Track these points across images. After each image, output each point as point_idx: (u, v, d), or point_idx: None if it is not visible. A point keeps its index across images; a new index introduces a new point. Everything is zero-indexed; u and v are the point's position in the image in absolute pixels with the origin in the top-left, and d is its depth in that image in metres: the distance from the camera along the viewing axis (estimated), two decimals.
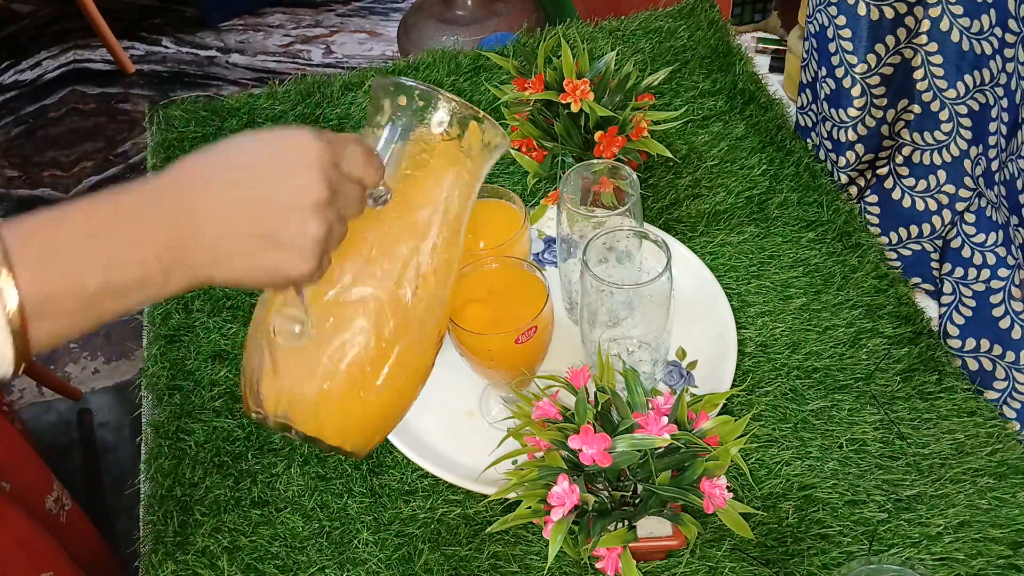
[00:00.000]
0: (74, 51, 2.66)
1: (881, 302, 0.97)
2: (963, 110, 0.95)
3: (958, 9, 0.91)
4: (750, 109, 1.17)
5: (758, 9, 1.32)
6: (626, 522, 0.74)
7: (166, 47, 2.67)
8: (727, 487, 0.72)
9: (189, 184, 0.54)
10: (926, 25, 0.95)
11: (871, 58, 0.97)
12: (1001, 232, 0.91)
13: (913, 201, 1.03)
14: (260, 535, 0.84)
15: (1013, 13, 0.84)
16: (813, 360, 0.93)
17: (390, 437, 0.87)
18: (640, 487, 0.73)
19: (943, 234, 1.00)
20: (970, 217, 0.95)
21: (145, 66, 2.62)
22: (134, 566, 0.85)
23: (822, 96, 1.05)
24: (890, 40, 0.96)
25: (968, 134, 0.95)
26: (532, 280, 0.83)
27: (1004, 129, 0.88)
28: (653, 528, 0.77)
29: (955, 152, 0.97)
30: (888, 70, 0.98)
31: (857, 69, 0.98)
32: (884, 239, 1.05)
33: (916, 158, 1.02)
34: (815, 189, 1.07)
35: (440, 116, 0.63)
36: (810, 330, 0.95)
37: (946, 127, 0.97)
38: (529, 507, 0.74)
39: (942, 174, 1.00)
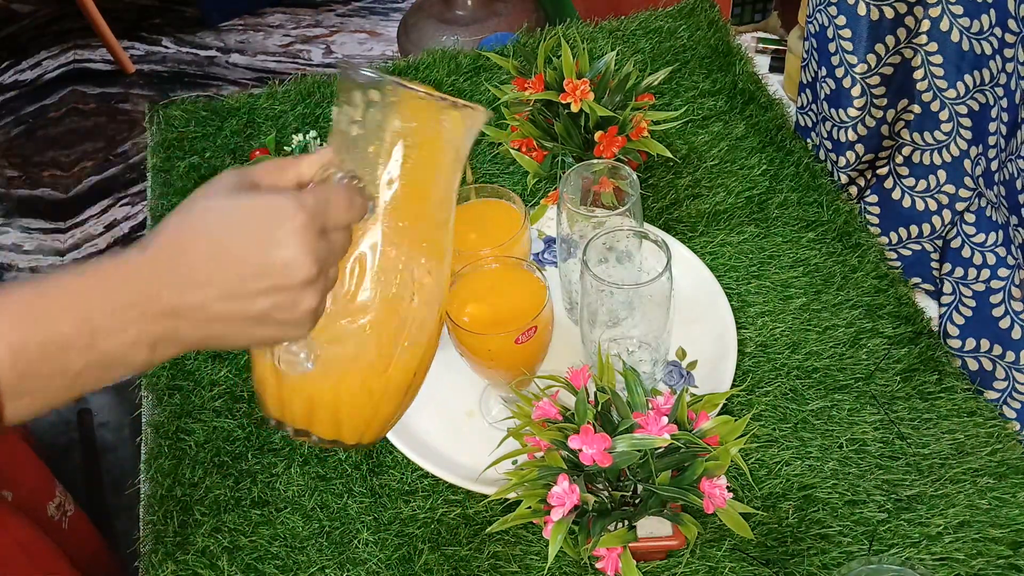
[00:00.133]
0: (74, 51, 2.66)
1: (881, 302, 0.97)
2: (963, 110, 0.95)
3: (958, 9, 0.91)
4: (750, 109, 1.17)
5: (758, 9, 1.32)
6: (626, 522, 0.74)
7: (166, 47, 2.67)
8: (727, 487, 0.72)
9: (172, 271, 0.52)
10: (926, 25, 0.95)
11: (871, 58, 0.97)
12: (1001, 232, 0.91)
13: (913, 201, 1.03)
14: (260, 535, 0.84)
15: (1013, 13, 0.84)
16: (813, 360, 0.93)
17: (390, 437, 0.87)
18: (640, 487, 0.73)
19: (943, 234, 1.00)
20: (970, 217, 0.95)
21: (145, 66, 2.62)
22: (134, 566, 0.85)
23: (822, 96, 1.05)
24: (890, 40, 0.96)
25: (968, 134, 0.95)
26: (532, 280, 0.83)
27: (1004, 129, 0.88)
28: (653, 528, 0.77)
29: (955, 152, 0.97)
30: (888, 70, 0.98)
31: (857, 69, 0.98)
32: (884, 239, 1.05)
33: (916, 158, 1.02)
34: (815, 189, 1.07)
35: (413, 113, 0.60)
36: (810, 330, 0.95)
37: (946, 127, 0.97)
38: (529, 507, 0.74)
39: (942, 174, 1.00)
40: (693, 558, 0.80)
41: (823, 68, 1.03)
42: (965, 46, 0.92)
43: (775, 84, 1.23)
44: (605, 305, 0.82)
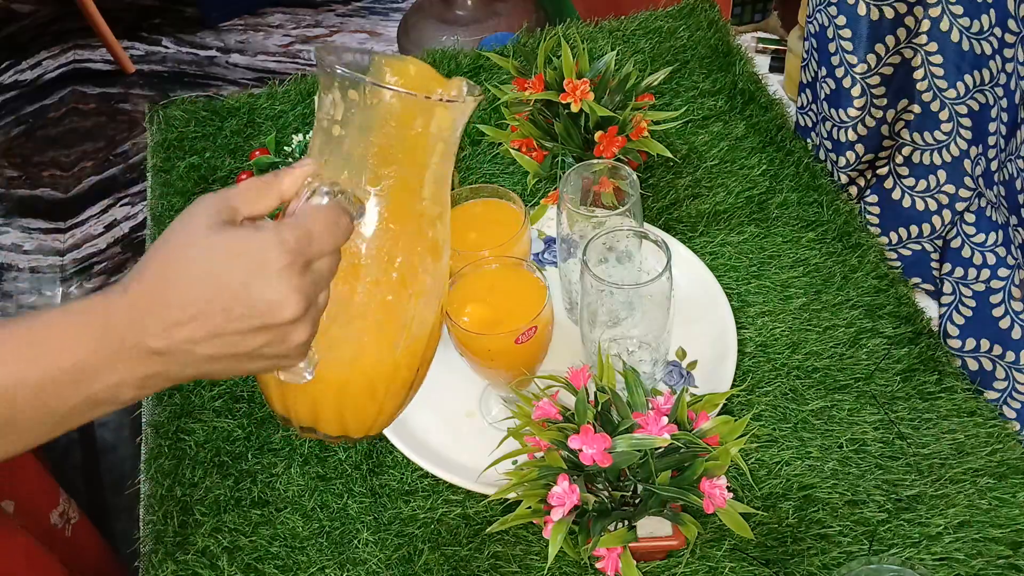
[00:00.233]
0: (74, 51, 2.66)
1: (881, 302, 0.97)
2: (963, 110, 0.95)
3: (958, 9, 0.91)
4: (750, 109, 1.17)
5: (758, 9, 1.32)
6: (626, 522, 0.74)
7: (166, 47, 2.67)
8: (727, 487, 0.72)
9: (155, 313, 0.51)
10: (926, 25, 0.95)
11: (871, 58, 0.97)
12: (1001, 232, 0.91)
13: (913, 201, 1.03)
14: (260, 535, 0.84)
15: (1013, 13, 0.84)
16: (813, 360, 0.93)
17: (390, 437, 0.88)
18: (640, 487, 0.73)
19: (943, 234, 1.00)
20: (970, 217, 0.95)
21: (145, 66, 2.62)
22: (134, 566, 0.85)
23: (822, 96, 1.05)
24: (890, 40, 0.96)
25: (968, 134, 0.95)
26: (532, 280, 0.83)
27: (1004, 129, 0.88)
28: (653, 528, 0.77)
29: (955, 152, 0.97)
30: (888, 70, 0.98)
31: (857, 69, 0.98)
32: (884, 239, 1.05)
33: (916, 158, 1.02)
34: (815, 189, 1.07)
35: (396, 112, 0.57)
36: (810, 330, 0.95)
37: (946, 127, 0.97)
38: (529, 507, 0.74)
39: (942, 174, 1.00)
40: (693, 558, 0.80)
41: (823, 68, 1.03)
42: (965, 46, 0.92)
43: (775, 84, 1.23)
44: (605, 305, 0.82)
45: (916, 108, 1.00)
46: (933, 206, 1.01)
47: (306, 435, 0.64)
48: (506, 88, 1.04)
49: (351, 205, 0.57)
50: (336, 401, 0.62)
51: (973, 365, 0.93)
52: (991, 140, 0.91)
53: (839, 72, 1.00)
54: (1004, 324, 0.90)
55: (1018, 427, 0.89)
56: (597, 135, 0.99)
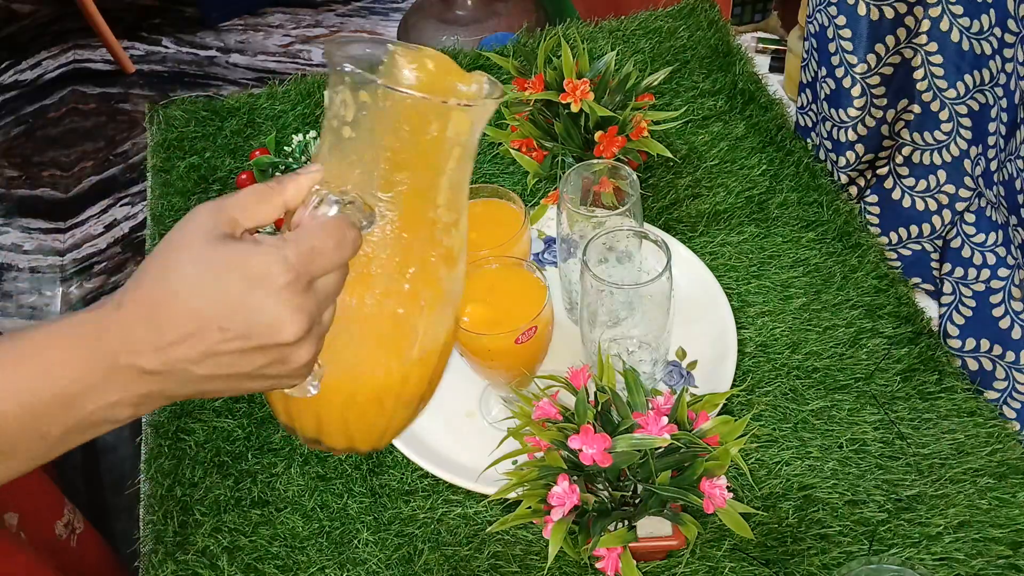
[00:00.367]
0: (74, 51, 2.66)
1: (881, 302, 0.97)
2: (963, 110, 0.95)
3: (958, 9, 0.91)
4: (750, 109, 1.17)
5: (758, 9, 1.32)
6: (626, 522, 0.74)
7: (166, 47, 2.67)
8: (727, 487, 0.72)
9: (148, 331, 0.49)
10: (926, 25, 0.95)
11: (871, 58, 0.97)
12: (1001, 232, 0.91)
13: (913, 201, 1.03)
14: (260, 535, 0.84)
15: (1013, 13, 0.84)
16: (813, 360, 0.93)
17: None
18: (640, 487, 0.73)
19: (943, 234, 1.00)
20: (970, 217, 0.95)
21: (145, 66, 2.62)
22: (134, 566, 0.85)
23: (822, 96, 1.05)
24: (890, 40, 0.96)
25: (968, 134, 0.95)
26: (532, 280, 0.83)
27: (1004, 129, 0.88)
28: (653, 528, 0.77)
29: (955, 152, 0.97)
30: (888, 70, 0.98)
31: (857, 69, 0.98)
32: (884, 239, 1.05)
33: (916, 158, 1.02)
34: (815, 189, 1.07)
35: (410, 115, 0.53)
36: (810, 330, 0.95)
37: (946, 127, 0.97)
38: (529, 507, 0.74)
39: (942, 174, 1.00)
40: (693, 558, 0.80)
41: (823, 68, 1.03)
42: (965, 46, 0.92)
43: (775, 84, 1.23)
44: (605, 305, 0.82)
45: (916, 108, 1.00)
46: (933, 206, 1.01)
47: (313, 447, 0.62)
48: (506, 88, 1.04)
49: (360, 214, 0.53)
50: (342, 414, 0.59)
51: (973, 365, 0.93)
52: (991, 140, 0.91)
53: (839, 72, 1.00)
54: (1004, 324, 0.90)
55: (1018, 427, 0.89)
56: (597, 135, 0.99)
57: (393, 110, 0.53)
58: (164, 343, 0.49)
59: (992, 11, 0.86)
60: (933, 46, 0.95)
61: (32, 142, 2.45)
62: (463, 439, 0.89)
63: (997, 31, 0.87)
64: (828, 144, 1.07)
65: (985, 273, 0.93)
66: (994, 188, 0.89)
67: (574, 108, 0.98)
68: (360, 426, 0.60)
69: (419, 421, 0.88)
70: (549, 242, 1.03)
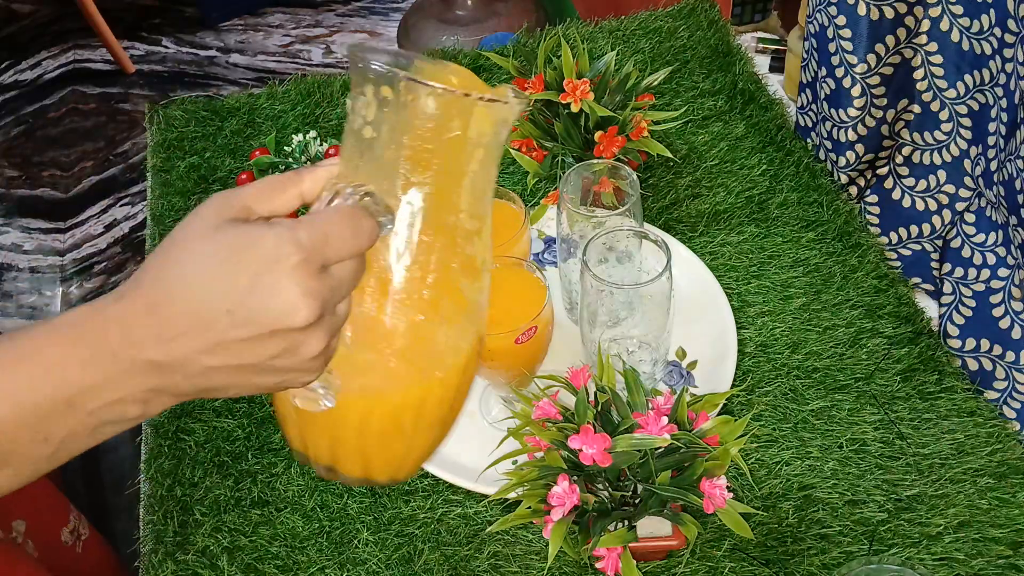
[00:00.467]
0: (74, 51, 2.66)
1: (881, 302, 0.97)
2: (963, 110, 0.95)
3: (958, 9, 0.91)
4: (750, 109, 1.17)
5: (758, 9, 1.32)
6: (626, 522, 0.74)
7: (166, 47, 2.67)
8: (727, 487, 0.72)
9: (152, 322, 0.47)
10: (926, 25, 0.95)
11: (871, 58, 0.97)
12: (1001, 232, 0.91)
13: (913, 201, 1.03)
14: (260, 535, 0.84)
15: (1013, 13, 0.84)
16: (813, 360, 0.93)
17: None
18: (640, 487, 0.73)
19: (943, 234, 1.00)
20: (970, 217, 0.95)
21: (145, 66, 2.62)
22: (134, 566, 0.85)
23: (822, 96, 1.05)
24: (890, 40, 0.96)
25: (968, 134, 0.95)
26: (532, 280, 0.83)
27: (1003, 129, 0.88)
28: (653, 528, 0.77)
29: (955, 152, 0.97)
30: (888, 70, 0.98)
31: (857, 69, 0.98)
32: (884, 239, 1.05)
33: (916, 158, 1.02)
34: (815, 189, 1.07)
35: (432, 112, 0.51)
36: (810, 330, 0.95)
37: (946, 127, 0.97)
38: (529, 507, 0.74)
39: (942, 174, 1.00)
40: (693, 558, 0.80)
41: (823, 68, 1.03)
42: (965, 46, 0.92)
43: (775, 84, 1.23)
44: (605, 305, 0.82)
45: (916, 108, 1.00)
46: (933, 206, 1.01)
47: (327, 477, 0.58)
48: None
49: (378, 207, 0.51)
50: (358, 435, 0.56)
51: (973, 365, 0.93)
52: (991, 140, 0.91)
53: (839, 72, 1.00)
54: (1004, 324, 0.90)
55: (1018, 427, 0.89)
56: (597, 135, 0.99)
57: (414, 106, 0.51)
58: (165, 333, 0.46)
59: (992, 11, 0.86)
60: (933, 46, 0.95)
61: (32, 142, 2.45)
62: (463, 439, 0.88)
63: (997, 31, 0.87)
64: (828, 144, 1.07)
65: (985, 273, 0.93)
66: (994, 188, 0.89)
67: (574, 108, 0.98)
68: (377, 450, 0.57)
69: None
70: (549, 242, 1.03)
